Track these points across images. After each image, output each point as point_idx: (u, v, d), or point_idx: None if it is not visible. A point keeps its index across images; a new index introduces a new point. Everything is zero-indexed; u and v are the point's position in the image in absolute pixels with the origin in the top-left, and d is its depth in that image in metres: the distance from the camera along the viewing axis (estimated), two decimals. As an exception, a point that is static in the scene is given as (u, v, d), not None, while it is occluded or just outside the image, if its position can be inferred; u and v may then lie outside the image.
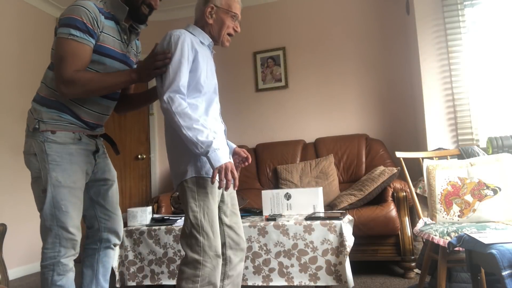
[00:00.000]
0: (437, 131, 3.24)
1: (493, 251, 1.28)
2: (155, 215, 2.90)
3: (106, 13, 1.64)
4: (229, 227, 1.70)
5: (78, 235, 1.66)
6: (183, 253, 2.48)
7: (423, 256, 2.26)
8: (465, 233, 1.52)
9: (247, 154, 1.78)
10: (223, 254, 1.65)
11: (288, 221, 2.35)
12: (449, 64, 3.23)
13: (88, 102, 1.67)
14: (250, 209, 3.09)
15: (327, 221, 2.28)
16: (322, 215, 2.40)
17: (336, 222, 2.26)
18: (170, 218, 2.73)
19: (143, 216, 2.67)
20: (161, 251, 2.51)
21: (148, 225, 2.60)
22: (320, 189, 2.62)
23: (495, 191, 1.94)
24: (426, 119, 3.27)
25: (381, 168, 3.10)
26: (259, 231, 2.36)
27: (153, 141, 4.50)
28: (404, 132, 3.79)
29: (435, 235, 1.82)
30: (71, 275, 1.64)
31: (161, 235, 2.52)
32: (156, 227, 2.54)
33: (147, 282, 2.53)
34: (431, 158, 2.29)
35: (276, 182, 3.70)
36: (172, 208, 3.39)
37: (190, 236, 1.50)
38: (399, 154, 2.26)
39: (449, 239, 1.76)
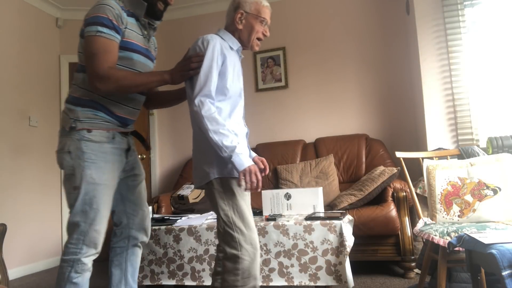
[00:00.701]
0: (437, 131, 3.24)
1: (493, 251, 1.28)
2: (155, 215, 2.90)
3: (126, 11, 1.70)
4: None
5: (103, 235, 1.68)
6: (182, 253, 2.49)
7: (423, 256, 2.26)
8: (465, 233, 1.52)
9: (265, 165, 1.84)
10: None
11: (288, 221, 2.35)
12: (449, 64, 3.23)
13: (121, 97, 1.73)
14: (250, 209, 3.09)
15: (327, 221, 2.28)
16: (322, 215, 2.40)
17: (336, 222, 2.26)
18: (170, 218, 2.73)
19: (143, 216, 2.67)
20: (161, 251, 2.51)
21: (148, 225, 2.59)
22: (320, 189, 2.62)
23: (495, 191, 1.94)
24: (426, 119, 3.27)
25: (381, 168, 3.10)
26: (259, 231, 2.36)
27: (153, 141, 4.50)
28: (404, 132, 3.79)
29: (435, 235, 1.82)
30: (88, 274, 1.65)
31: (161, 235, 2.52)
32: (156, 227, 2.55)
33: (147, 282, 2.53)
34: (431, 158, 2.29)
35: (276, 182, 3.70)
36: (172, 208, 3.39)
37: (225, 233, 1.57)
38: (399, 154, 2.26)
39: (449, 239, 1.76)
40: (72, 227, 1.62)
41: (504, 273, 1.23)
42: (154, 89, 1.99)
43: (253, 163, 1.55)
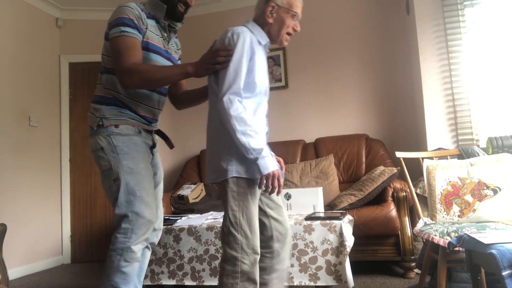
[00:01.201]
0: (437, 131, 3.24)
1: (493, 251, 1.28)
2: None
3: (147, 13, 1.75)
4: (275, 219, 1.70)
5: (152, 222, 1.68)
6: (182, 253, 2.49)
7: (423, 256, 2.26)
8: (465, 233, 1.52)
9: (282, 165, 1.81)
10: (271, 247, 1.68)
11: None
12: (449, 64, 3.23)
13: (142, 97, 1.76)
14: (250, 209, 3.09)
15: (327, 221, 2.28)
16: (322, 215, 2.40)
17: (336, 222, 2.26)
18: (170, 218, 2.73)
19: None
20: (161, 251, 2.51)
21: (148, 225, 2.59)
22: (320, 189, 2.62)
23: (495, 191, 1.94)
24: (426, 119, 3.27)
25: (381, 168, 3.10)
26: (259, 231, 2.35)
27: (153, 141, 4.50)
28: (404, 132, 3.79)
29: (435, 235, 1.82)
30: (136, 265, 1.66)
31: (161, 235, 2.52)
32: (156, 227, 2.54)
33: (147, 282, 2.53)
34: (431, 158, 2.29)
35: (276, 182, 3.69)
36: (172, 208, 3.39)
37: (228, 234, 1.53)
38: (399, 154, 2.26)
39: (449, 239, 1.76)
40: (120, 217, 1.63)
41: (504, 273, 1.23)
42: (182, 88, 2.00)
43: (277, 167, 1.53)
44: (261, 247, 1.65)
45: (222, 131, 1.56)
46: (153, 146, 1.85)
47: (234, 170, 1.54)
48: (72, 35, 4.41)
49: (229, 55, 1.53)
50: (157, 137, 1.96)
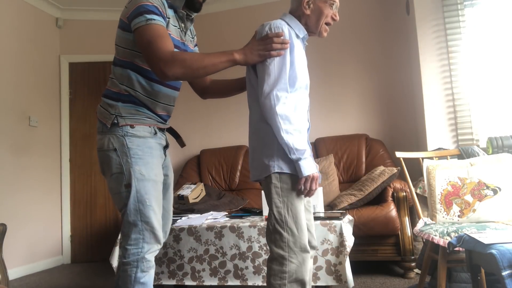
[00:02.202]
0: (437, 131, 3.24)
1: (493, 251, 1.28)
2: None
3: (167, 3, 1.64)
4: None
5: (160, 230, 1.63)
6: (183, 253, 2.49)
7: (423, 256, 2.26)
8: (465, 233, 1.52)
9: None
10: None
11: (288, 221, 2.35)
12: (449, 64, 3.23)
13: (160, 95, 1.67)
14: (250, 209, 3.10)
15: (327, 221, 2.28)
16: (322, 215, 2.40)
17: (336, 222, 2.26)
18: (170, 218, 2.73)
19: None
20: (161, 251, 2.51)
21: (148, 225, 2.59)
22: (320, 189, 2.62)
23: (495, 191, 1.94)
24: (426, 119, 3.27)
25: (381, 168, 3.10)
26: (259, 231, 2.36)
27: (153, 141, 4.50)
28: (404, 132, 3.79)
29: (435, 235, 1.82)
30: (152, 271, 1.61)
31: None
32: (156, 227, 2.54)
33: (147, 282, 2.53)
34: (431, 158, 2.29)
35: (276, 182, 3.69)
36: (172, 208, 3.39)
37: (274, 231, 1.49)
38: (399, 154, 2.26)
39: (449, 239, 1.76)
40: (129, 227, 1.57)
41: (504, 273, 1.23)
42: (207, 78, 1.90)
43: (317, 170, 1.50)
44: None
45: (263, 126, 1.52)
46: (166, 147, 1.78)
47: (276, 165, 1.49)
48: (72, 35, 4.41)
49: (284, 42, 1.49)
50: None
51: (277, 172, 1.49)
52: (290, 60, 1.51)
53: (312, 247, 1.67)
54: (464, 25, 3.21)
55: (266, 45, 1.49)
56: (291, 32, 1.55)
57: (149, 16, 1.50)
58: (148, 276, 1.58)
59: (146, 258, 1.57)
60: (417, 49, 3.35)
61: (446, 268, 1.84)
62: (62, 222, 4.21)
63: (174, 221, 2.62)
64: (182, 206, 3.32)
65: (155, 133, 1.67)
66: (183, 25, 1.74)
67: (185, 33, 1.77)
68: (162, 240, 1.66)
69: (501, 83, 3.15)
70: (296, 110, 1.54)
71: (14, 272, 3.56)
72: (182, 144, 1.93)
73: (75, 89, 4.38)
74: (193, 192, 3.46)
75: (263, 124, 1.52)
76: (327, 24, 1.63)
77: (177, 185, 3.86)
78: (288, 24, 1.57)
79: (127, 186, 1.56)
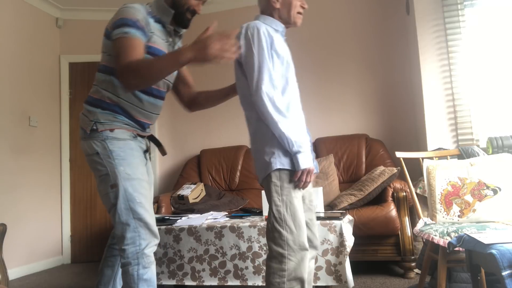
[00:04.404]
0: (437, 131, 3.24)
1: (493, 251, 1.28)
2: (155, 215, 2.89)
3: (154, 17, 1.70)
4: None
5: (154, 225, 1.66)
6: (183, 253, 2.49)
7: (423, 256, 2.26)
8: (465, 233, 1.52)
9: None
10: None
11: (288, 221, 2.35)
12: (449, 64, 3.23)
13: (141, 102, 1.71)
14: (250, 209, 3.10)
15: (327, 221, 2.28)
16: (322, 215, 2.40)
17: (336, 222, 2.26)
18: (170, 218, 2.73)
19: (143, 216, 2.67)
20: (161, 251, 2.51)
21: (148, 225, 2.59)
22: (320, 189, 2.62)
23: (495, 191, 1.94)
24: (426, 119, 3.27)
25: (381, 168, 3.10)
26: (259, 231, 2.36)
27: (153, 141, 4.50)
28: (404, 132, 3.79)
29: (435, 235, 1.82)
30: (154, 267, 1.63)
31: (161, 235, 2.52)
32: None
33: (147, 282, 2.53)
34: (431, 158, 2.29)
35: (276, 182, 3.69)
36: (172, 208, 3.39)
37: (273, 230, 1.50)
38: (399, 154, 2.26)
39: (449, 239, 1.76)
40: (122, 227, 1.59)
41: (504, 273, 1.23)
42: (191, 86, 1.97)
43: (313, 164, 1.53)
44: None
45: (261, 126, 1.55)
46: (146, 151, 1.82)
47: (278, 162, 1.51)
48: (72, 35, 4.41)
49: (236, 44, 1.49)
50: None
51: (277, 170, 1.51)
52: (272, 54, 1.56)
53: (314, 247, 1.68)
54: (464, 25, 3.21)
55: (225, 45, 1.46)
56: (269, 28, 1.60)
57: (126, 29, 1.58)
58: (150, 272, 1.60)
59: (146, 253, 1.59)
60: (417, 49, 3.35)
61: (446, 268, 1.84)
62: (62, 222, 4.21)
63: (174, 221, 2.62)
64: (182, 206, 3.32)
65: (135, 137, 1.71)
66: (171, 40, 1.79)
67: (173, 47, 1.81)
68: (158, 235, 1.69)
69: (501, 83, 3.15)
70: (289, 102, 1.58)
71: (14, 272, 3.56)
72: (163, 152, 1.97)
73: (75, 89, 4.38)
74: (193, 192, 3.46)
75: (261, 123, 1.54)
76: (298, 13, 1.70)
77: (177, 185, 3.86)
78: (264, 23, 1.63)
79: (113, 186, 1.60)
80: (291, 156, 1.51)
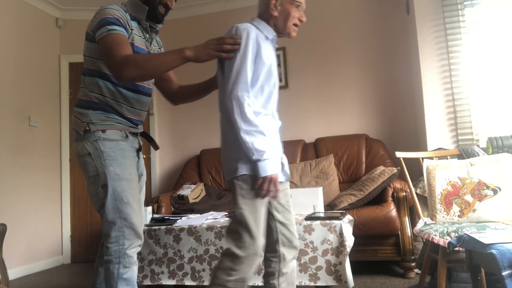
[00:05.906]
0: (437, 131, 3.24)
1: (493, 251, 1.28)
2: (155, 215, 2.90)
3: (129, 15, 1.75)
4: (282, 223, 1.67)
5: (140, 226, 1.69)
6: (183, 253, 2.49)
7: (423, 256, 2.26)
8: (465, 233, 1.52)
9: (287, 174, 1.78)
10: (277, 251, 1.66)
11: (288, 221, 2.35)
12: (449, 64, 3.23)
13: (128, 99, 1.75)
14: (250, 209, 3.09)
15: (327, 221, 2.28)
16: (322, 215, 2.40)
17: (336, 222, 2.26)
18: (170, 218, 2.73)
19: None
20: (161, 251, 2.52)
21: (148, 225, 2.60)
22: (320, 189, 2.62)
23: (495, 191, 1.94)
24: (426, 119, 3.27)
25: (381, 168, 3.10)
26: (259, 231, 2.35)
27: (153, 141, 4.50)
28: (404, 132, 3.79)
29: (435, 235, 1.82)
30: (135, 268, 1.66)
31: (161, 235, 2.52)
32: (156, 227, 2.55)
33: (147, 282, 2.53)
34: (431, 158, 2.29)
35: (276, 182, 3.69)
36: (172, 208, 3.39)
37: (235, 232, 1.51)
38: (399, 154, 2.26)
39: (449, 239, 1.76)
40: (108, 226, 1.63)
41: (504, 273, 1.23)
42: (174, 82, 1.99)
43: (277, 172, 1.50)
44: (267, 251, 1.63)
45: (230, 129, 1.54)
46: (139, 149, 1.85)
47: (244, 167, 1.51)
48: (72, 35, 4.41)
49: (236, 43, 1.52)
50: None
51: (244, 174, 1.51)
52: (257, 61, 1.54)
53: (294, 247, 1.69)
54: (464, 25, 3.21)
55: (217, 45, 1.53)
56: (259, 34, 1.59)
57: (110, 27, 1.61)
58: (130, 272, 1.63)
59: (128, 254, 1.62)
60: (417, 49, 3.35)
61: (446, 268, 1.84)
62: (62, 222, 4.21)
63: (174, 221, 2.62)
64: (182, 206, 3.32)
65: (126, 137, 1.75)
66: (147, 36, 1.84)
67: (151, 43, 1.86)
68: (143, 236, 1.71)
69: (501, 83, 3.15)
70: (267, 108, 1.58)
71: (14, 272, 3.56)
72: (155, 147, 2.01)
73: (75, 89, 4.38)
74: (193, 192, 3.46)
75: (229, 126, 1.53)
76: (295, 25, 1.68)
77: (177, 185, 3.86)
78: (256, 27, 1.61)
79: (103, 186, 1.64)
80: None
